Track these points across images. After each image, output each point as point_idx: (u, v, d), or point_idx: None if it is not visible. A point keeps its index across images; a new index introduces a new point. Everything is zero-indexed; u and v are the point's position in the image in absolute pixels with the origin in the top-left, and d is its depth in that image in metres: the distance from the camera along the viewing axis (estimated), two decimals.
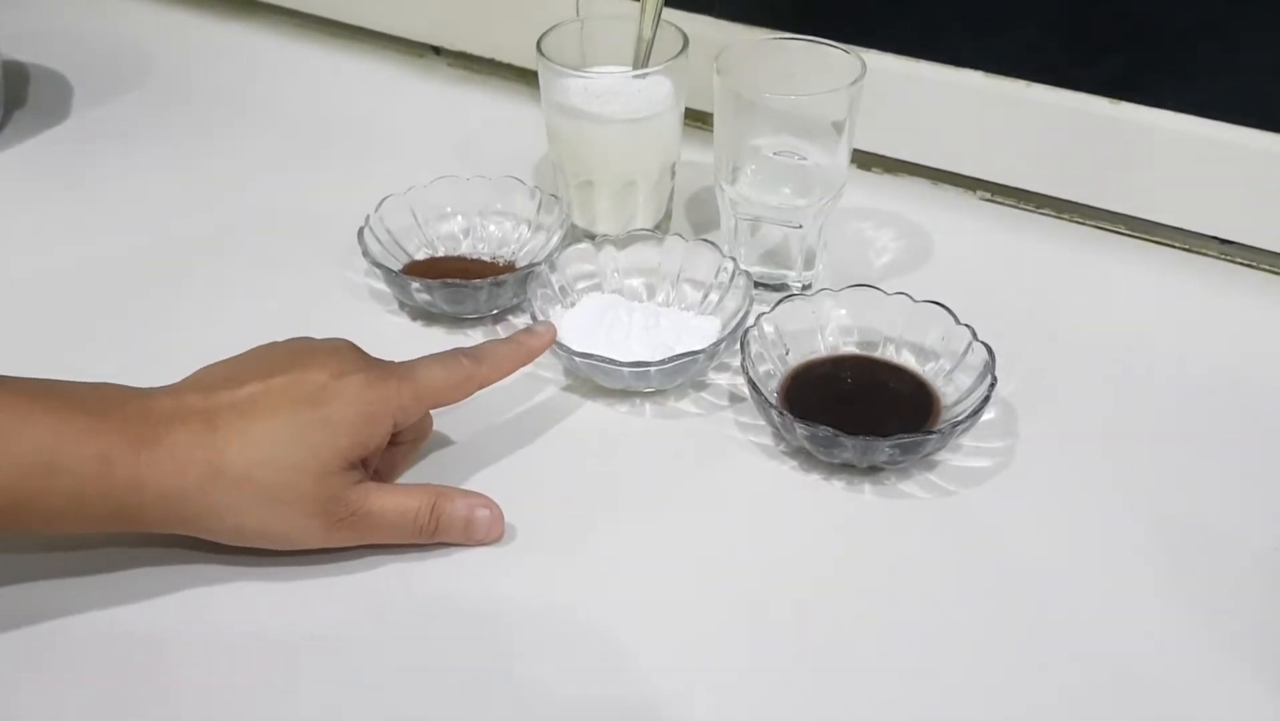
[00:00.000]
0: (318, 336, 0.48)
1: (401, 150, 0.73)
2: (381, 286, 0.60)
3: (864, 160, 0.69)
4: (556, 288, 0.57)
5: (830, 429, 0.46)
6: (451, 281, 0.56)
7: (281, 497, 0.42)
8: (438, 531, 0.46)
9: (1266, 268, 0.61)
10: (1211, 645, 0.42)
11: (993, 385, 0.48)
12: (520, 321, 0.59)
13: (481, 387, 0.48)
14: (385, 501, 0.45)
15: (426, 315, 0.59)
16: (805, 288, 0.59)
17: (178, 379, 0.45)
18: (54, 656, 0.43)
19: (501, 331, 0.58)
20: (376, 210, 0.60)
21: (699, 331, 0.54)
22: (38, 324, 0.60)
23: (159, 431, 0.41)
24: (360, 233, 0.58)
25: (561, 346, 0.52)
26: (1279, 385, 0.54)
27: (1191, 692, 0.41)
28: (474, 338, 0.58)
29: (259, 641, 0.43)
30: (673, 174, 0.63)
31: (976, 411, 0.48)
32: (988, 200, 0.67)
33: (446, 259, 0.61)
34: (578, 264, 0.58)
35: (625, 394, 0.54)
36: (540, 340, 0.50)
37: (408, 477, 0.50)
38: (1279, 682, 0.41)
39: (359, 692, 0.42)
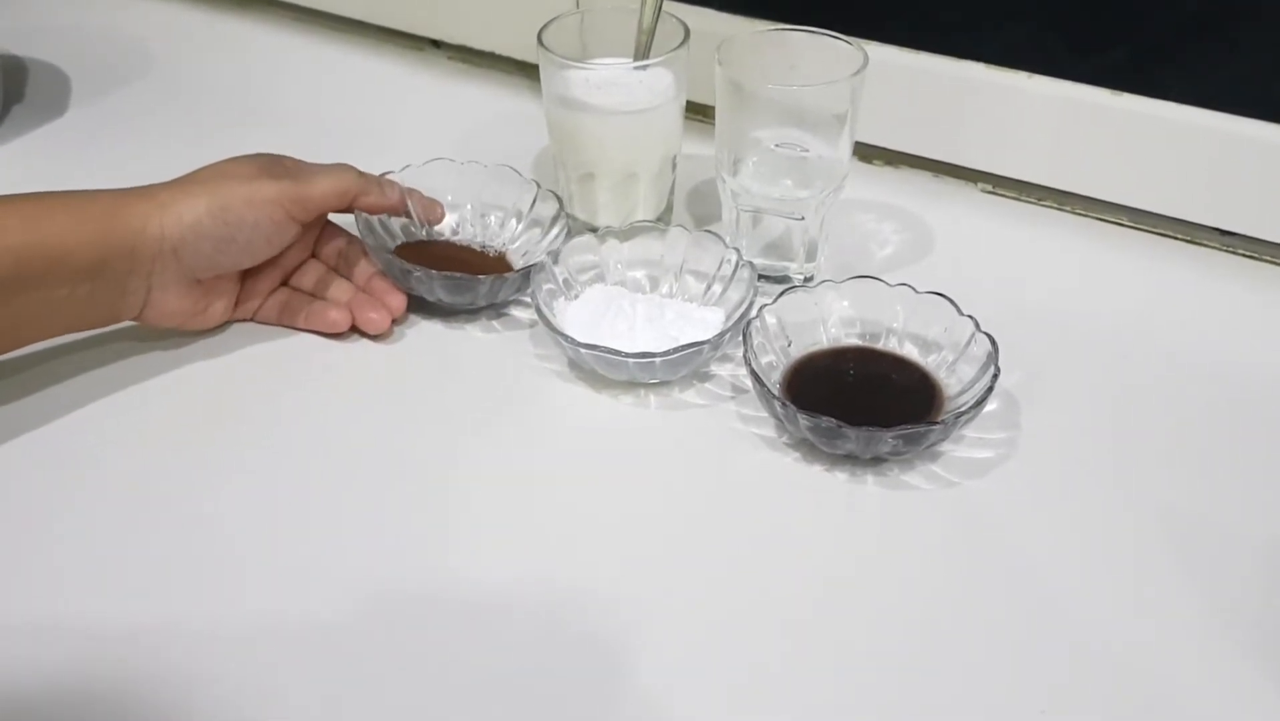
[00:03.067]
0: None
1: (401, 143, 0.72)
2: None
3: (865, 152, 0.69)
4: (560, 280, 0.56)
5: (833, 420, 0.46)
6: (452, 275, 0.56)
7: (225, 171, 0.55)
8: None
9: (1268, 259, 0.61)
10: (1214, 637, 0.42)
11: (995, 376, 0.48)
12: (520, 315, 0.59)
13: (360, 207, 0.57)
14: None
15: (421, 303, 0.58)
16: (807, 279, 0.59)
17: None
18: (51, 651, 0.43)
19: (499, 326, 0.58)
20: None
21: (703, 322, 0.54)
22: None
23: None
24: (357, 217, 0.58)
25: (566, 338, 0.52)
26: (1279, 375, 0.54)
27: (1194, 683, 0.41)
28: (469, 331, 0.58)
29: (254, 635, 0.43)
30: (674, 166, 0.63)
31: (979, 403, 0.48)
32: (989, 192, 0.67)
33: (435, 243, 0.61)
34: (580, 256, 0.58)
35: (630, 385, 0.54)
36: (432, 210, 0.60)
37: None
38: None
39: (355, 688, 0.41)
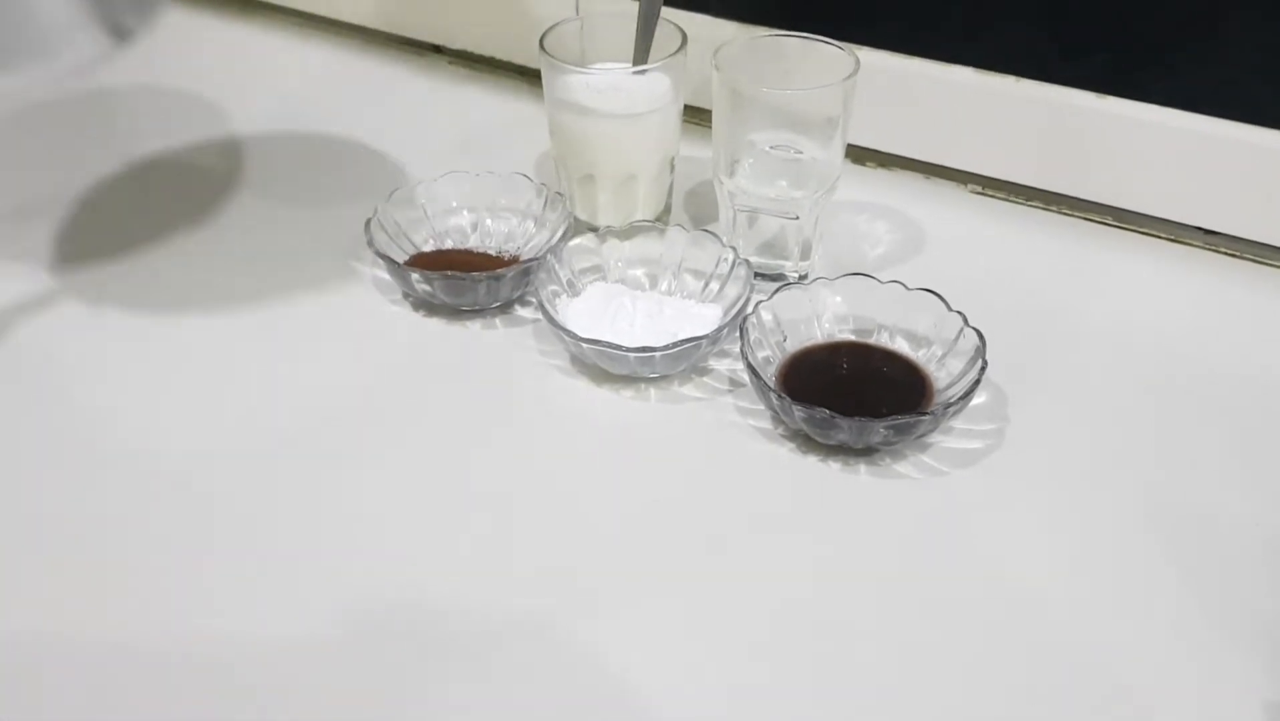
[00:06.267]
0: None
1: (404, 147, 0.74)
2: (385, 276, 0.62)
3: (858, 155, 0.71)
4: (562, 279, 0.58)
5: (827, 411, 0.48)
6: (451, 274, 0.57)
7: None
8: None
9: (1250, 257, 0.63)
10: (1199, 622, 0.44)
11: (983, 368, 0.50)
12: (524, 313, 0.60)
13: None
14: None
15: (428, 306, 0.60)
16: (802, 278, 0.61)
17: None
18: (37, 667, 0.43)
19: (500, 324, 0.60)
20: (386, 201, 0.62)
21: (701, 318, 0.56)
22: (45, 314, 0.61)
23: None
24: (368, 224, 0.60)
25: (567, 332, 0.54)
26: (1261, 370, 0.55)
27: (1179, 668, 0.42)
28: (473, 330, 0.59)
29: (240, 650, 0.44)
30: (672, 168, 0.64)
31: (968, 394, 0.49)
32: (979, 193, 0.69)
33: (453, 251, 0.63)
34: (581, 255, 0.59)
35: (630, 379, 0.55)
36: None
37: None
38: (1267, 659, 0.42)
39: (344, 706, 0.42)
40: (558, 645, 0.44)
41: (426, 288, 0.58)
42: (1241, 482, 0.50)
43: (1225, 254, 0.63)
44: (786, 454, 0.51)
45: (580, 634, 0.44)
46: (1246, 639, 0.43)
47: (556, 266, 0.58)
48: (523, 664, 0.43)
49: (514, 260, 0.62)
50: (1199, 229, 0.63)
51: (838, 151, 0.58)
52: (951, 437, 0.52)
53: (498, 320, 0.60)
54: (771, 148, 0.59)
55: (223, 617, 0.45)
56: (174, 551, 0.48)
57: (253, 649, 0.44)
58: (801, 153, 0.58)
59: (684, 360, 0.54)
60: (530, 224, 0.63)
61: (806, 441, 0.51)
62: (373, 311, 0.61)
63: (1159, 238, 0.65)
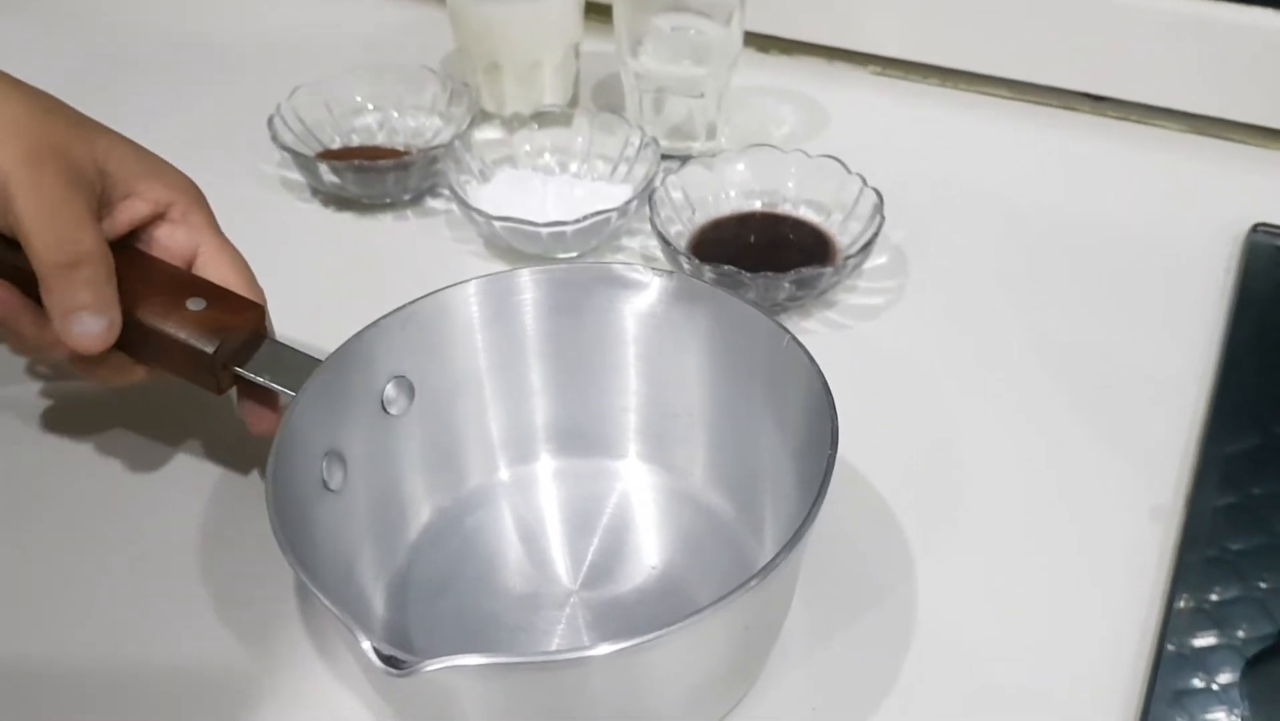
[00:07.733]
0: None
1: (307, 56, 0.73)
2: (293, 176, 0.62)
3: (761, 43, 0.72)
4: (472, 168, 0.58)
5: (734, 267, 0.49)
6: (360, 163, 0.57)
7: None
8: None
9: (1135, 119, 0.65)
10: (1087, 440, 0.47)
11: (881, 223, 0.52)
12: (436, 205, 0.61)
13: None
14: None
15: (338, 200, 0.60)
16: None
17: None
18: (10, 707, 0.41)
19: (412, 215, 0.60)
20: (289, 99, 0.61)
21: (611, 197, 0.57)
22: None
23: None
24: (270, 120, 0.59)
25: (479, 213, 0.54)
26: (1144, 222, 0.58)
27: (1073, 482, 0.45)
28: (384, 221, 0.60)
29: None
30: (576, 54, 0.65)
31: (867, 246, 0.51)
32: (879, 74, 0.70)
33: (361, 148, 0.62)
34: (491, 146, 0.60)
35: (543, 259, 0.56)
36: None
37: None
38: (1149, 469, 0.45)
39: None
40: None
41: (335, 179, 0.58)
42: (1120, 320, 0.53)
43: (1112, 118, 0.66)
44: None
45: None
46: (1132, 453, 0.46)
47: (466, 155, 0.58)
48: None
49: (424, 153, 0.62)
50: (1086, 95, 0.66)
51: (737, 27, 0.59)
52: (856, 295, 0.54)
53: (409, 212, 0.60)
54: (673, 28, 0.59)
55: None
56: None
57: None
58: (703, 31, 0.59)
59: (596, 235, 0.55)
60: (437, 119, 0.63)
61: None
62: (282, 208, 0.61)
63: (1050, 106, 0.67)
